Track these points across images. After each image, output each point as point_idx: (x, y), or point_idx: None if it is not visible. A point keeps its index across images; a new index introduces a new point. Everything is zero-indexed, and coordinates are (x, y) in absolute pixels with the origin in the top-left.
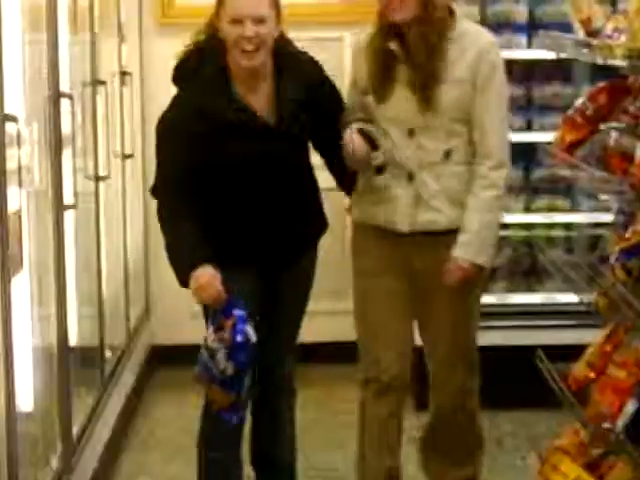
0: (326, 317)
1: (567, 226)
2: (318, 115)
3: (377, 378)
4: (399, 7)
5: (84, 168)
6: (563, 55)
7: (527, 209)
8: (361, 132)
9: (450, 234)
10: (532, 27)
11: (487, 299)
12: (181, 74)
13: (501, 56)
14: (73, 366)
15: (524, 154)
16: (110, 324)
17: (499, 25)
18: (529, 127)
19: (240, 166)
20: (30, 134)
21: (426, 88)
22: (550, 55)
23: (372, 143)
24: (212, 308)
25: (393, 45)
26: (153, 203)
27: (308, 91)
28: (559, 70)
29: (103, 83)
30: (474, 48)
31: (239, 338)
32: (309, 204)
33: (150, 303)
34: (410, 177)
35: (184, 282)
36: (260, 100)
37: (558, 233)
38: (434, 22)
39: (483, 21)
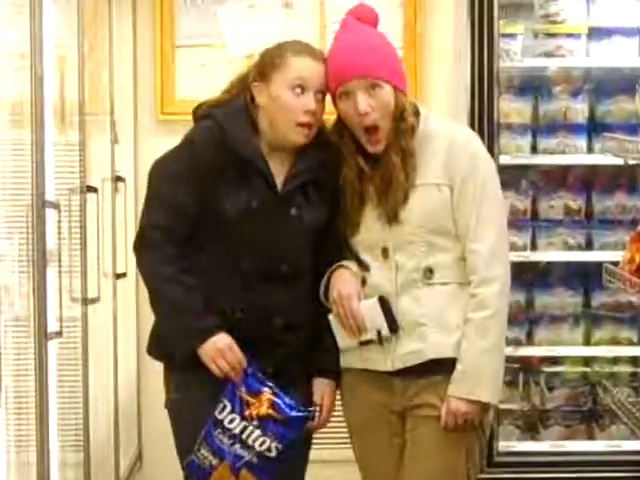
0: None
1: (634, 360)
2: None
3: None
4: (382, 137)
5: (70, 289)
6: (631, 161)
7: (586, 341)
8: (382, 302)
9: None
10: (593, 128)
11: (539, 447)
12: (203, 108)
13: (484, 153)
14: None
15: (583, 276)
16: (97, 474)
17: (553, 125)
18: (589, 245)
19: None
20: (10, 249)
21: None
22: (615, 160)
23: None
24: (229, 380)
25: (362, 162)
26: (147, 329)
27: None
28: (624, 178)
29: (94, 190)
30: (444, 146)
31: (294, 412)
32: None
33: (143, 450)
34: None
35: (189, 349)
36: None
37: (624, 369)
38: (408, 132)
39: (534, 120)
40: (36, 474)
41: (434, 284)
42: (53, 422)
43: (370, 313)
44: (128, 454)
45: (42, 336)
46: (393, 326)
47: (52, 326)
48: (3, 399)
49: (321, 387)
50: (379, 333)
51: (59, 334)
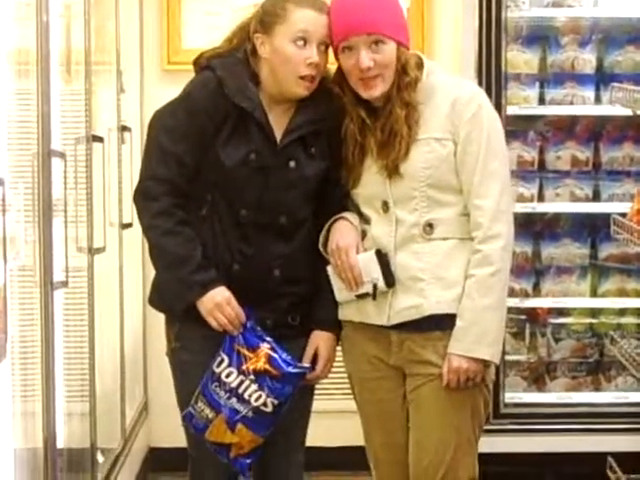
0: None
1: None
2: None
3: None
4: (379, 82)
5: (76, 239)
6: None
7: (593, 292)
8: (379, 255)
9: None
10: (601, 78)
11: (545, 398)
12: (203, 58)
13: (490, 108)
14: (61, 471)
15: (590, 228)
16: (103, 423)
17: (561, 75)
18: (596, 196)
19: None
20: (16, 198)
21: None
22: (623, 111)
23: (387, 270)
24: (227, 332)
25: (363, 114)
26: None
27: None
28: (633, 129)
29: (100, 140)
30: (448, 101)
31: (290, 368)
32: None
33: (149, 399)
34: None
35: (188, 302)
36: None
37: (631, 320)
38: (411, 84)
39: (542, 71)
40: (42, 424)
41: (434, 239)
42: (59, 372)
43: (367, 266)
44: (134, 404)
45: (48, 286)
46: (389, 280)
47: (58, 276)
48: (9, 349)
49: (317, 338)
50: (375, 286)
51: (65, 284)
